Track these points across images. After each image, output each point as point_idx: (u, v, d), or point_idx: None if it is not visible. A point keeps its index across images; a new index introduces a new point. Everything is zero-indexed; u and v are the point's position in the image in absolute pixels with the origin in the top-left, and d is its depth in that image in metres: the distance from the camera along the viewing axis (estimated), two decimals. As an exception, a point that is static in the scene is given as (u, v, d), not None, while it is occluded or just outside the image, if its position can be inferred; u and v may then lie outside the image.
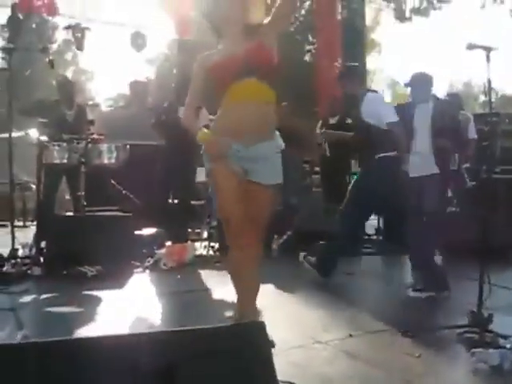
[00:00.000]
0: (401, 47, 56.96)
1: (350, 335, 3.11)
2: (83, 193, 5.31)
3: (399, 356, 2.86)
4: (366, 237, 7.00)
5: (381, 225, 7.21)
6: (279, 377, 1.81)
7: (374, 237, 7.13)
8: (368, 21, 15.79)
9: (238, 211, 2.66)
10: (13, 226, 4.98)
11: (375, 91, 4.92)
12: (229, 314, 3.21)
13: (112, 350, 1.53)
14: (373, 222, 7.59)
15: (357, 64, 6.01)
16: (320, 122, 7.86)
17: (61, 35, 28.49)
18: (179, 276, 4.82)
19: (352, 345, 2.98)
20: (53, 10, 7.93)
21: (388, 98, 31.04)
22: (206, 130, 2.67)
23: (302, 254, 4.59)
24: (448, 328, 3.15)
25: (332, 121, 7.62)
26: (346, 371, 2.64)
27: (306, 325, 3.36)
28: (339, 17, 10.31)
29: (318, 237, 6.44)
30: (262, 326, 1.83)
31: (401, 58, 60.33)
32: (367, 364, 2.71)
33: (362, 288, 4.81)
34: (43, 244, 4.94)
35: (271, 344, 2.72)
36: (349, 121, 7.81)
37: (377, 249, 6.46)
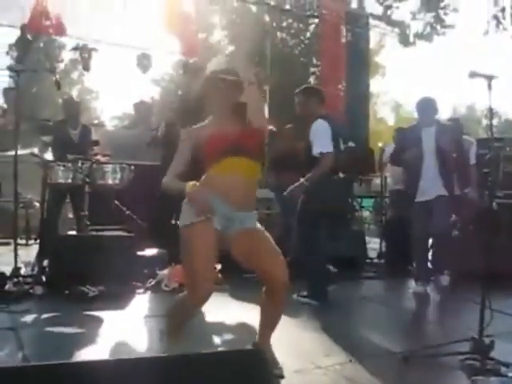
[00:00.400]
0: (405, 71, 57.26)
1: (350, 360, 3.10)
2: (87, 212, 5.34)
3: (399, 382, 2.85)
4: (369, 260, 7.00)
5: (383, 248, 7.21)
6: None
7: (376, 260, 7.11)
8: (372, 44, 15.97)
9: (210, 270, 2.70)
10: (16, 244, 4.99)
11: (327, 118, 4.97)
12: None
13: (110, 375, 1.54)
14: (375, 246, 7.60)
15: (315, 87, 6.03)
16: None
17: (67, 54, 28.83)
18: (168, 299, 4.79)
19: (352, 370, 2.97)
20: (61, 31, 8.03)
21: (391, 121, 31.20)
22: (195, 183, 2.66)
23: (294, 296, 4.65)
24: (449, 354, 3.12)
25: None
26: (347, 397, 2.63)
27: (307, 349, 3.35)
28: (343, 40, 10.40)
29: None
30: (262, 354, 1.84)
31: (405, 82, 60.63)
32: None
33: (363, 312, 4.79)
34: (46, 263, 4.94)
35: (280, 372, 2.75)
36: (350, 144, 7.88)
37: (379, 273, 6.45)
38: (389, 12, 11.25)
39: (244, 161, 2.73)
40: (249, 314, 4.22)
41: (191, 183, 2.63)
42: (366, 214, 12.08)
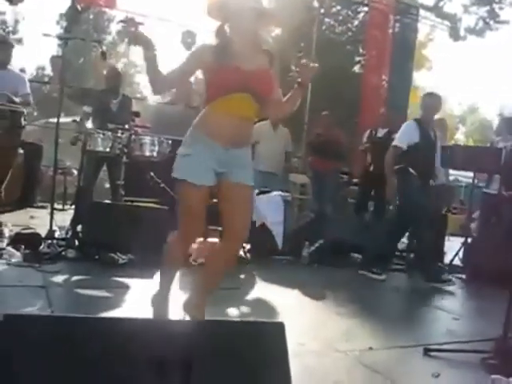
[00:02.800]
0: (453, 66, 55.98)
1: (371, 348, 3.11)
2: (122, 182, 5.43)
3: (417, 374, 2.85)
4: (397, 253, 6.95)
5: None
6: (293, 380, 1.83)
7: (405, 253, 7.05)
8: (421, 36, 15.64)
9: (199, 226, 2.92)
10: (52, 209, 5.14)
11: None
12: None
13: (129, 333, 1.58)
14: (404, 239, 7.53)
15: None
16: (367, 132, 7.85)
17: (115, 27, 29.19)
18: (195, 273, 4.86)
19: (372, 357, 2.97)
20: (111, 3, 8.14)
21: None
22: None
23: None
24: (471, 351, 3.10)
25: (380, 133, 7.62)
26: (363, 383, 2.64)
27: (327, 332, 3.36)
28: (391, 30, 10.23)
29: (349, 248, 6.47)
30: (281, 327, 1.86)
31: (452, 77, 59.28)
32: (384, 378, 2.70)
33: (388, 303, 4.78)
34: (79, 228, 5.06)
35: None
36: (395, 135, 7.81)
37: (406, 265, 6.40)
38: (440, 4, 10.97)
39: (245, 99, 2.73)
40: (273, 294, 4.29)
41: None
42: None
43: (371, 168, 7.44)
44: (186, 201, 2.82)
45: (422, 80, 23.63)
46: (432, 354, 3.08)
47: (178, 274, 4.69)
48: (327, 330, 3.44)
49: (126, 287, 3.98)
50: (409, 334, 3.53)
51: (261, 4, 2.80)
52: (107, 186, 6.30)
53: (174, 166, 2.82)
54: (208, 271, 3.09)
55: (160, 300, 3.03)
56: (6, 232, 5.01)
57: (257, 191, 6.17)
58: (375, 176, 7.18)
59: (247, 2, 2.73)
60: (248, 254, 5.87)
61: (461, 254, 6.63)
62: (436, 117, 6.20)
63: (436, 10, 11.07)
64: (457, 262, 6.62)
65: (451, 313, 4.36)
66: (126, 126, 5.32)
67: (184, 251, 3.07)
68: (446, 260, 6.71)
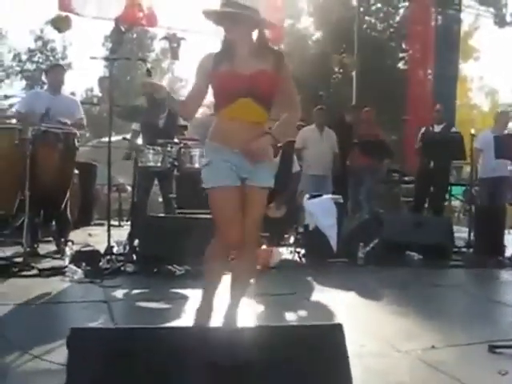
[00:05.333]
0: (502, 54, 54.33)
1: (433, 346, 3.04)
2: (174, 195, 5.54)
3: (483, 372, 2.76)
4: (456, 249, 6.80)
5: (472, 237, 7.00)
6: (354, 382, 1.82)
7: (465, 249, 6.90)
8: (465, 26, 15.29)
9: (232, 226, 2.75)
10: (109, 225, 5.28)
11: None
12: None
13: (190, 342, 1.62)
14: (463, 235, 7.37)
15: None
16: (422, 129, 7.74)
17: (158, 44, 29.82)
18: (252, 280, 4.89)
19: (434, 356, 2.91)
20: (152, 21, 8.30)
21: (486, 108, 29.79)
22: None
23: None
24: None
25: (437, 128, 7.51)
26: (426, 382, 2.60)
27: (387, 332, 3.32)
28: (433, 23, 10.05)
29: (405, 247, 6.37)
30: (340, 329, 1.86)
31: (502, 66, 57.50)
32: (449, 377, 2.64)
33: (449, 300, 4.67)
34: (136, 243, 5.19)
35: None
36: (454, 129, 7.68)
37: (467, 262, 6.25)
38: (484, -9, 10.70)
39: (250, 103, 2.73)
40: (330, 296, 4.27)
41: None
42: (455, 202, 11.70)
43: (431, 165, 7.32)
44: (217, 206, 2.78)
45: (470, 70, 23.06)
46: (498, 350, 2.98)
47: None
48: (387, 330, 3.39)
49: (184, 298, 4.04)
50: (472, 331, 3.43)
51: (245, 8, 2.74)
52: (160, 199, 6.42)
53: (202, 179, 2.85)
54: (232, 281, 3.00)
55: (202, 313, 2.90)
56: (67, 251, 5.20)
57: (308, 195, 6.16)
58: (435, 172, 7.09)
59: (230, 7, 2.71)
60: (303, 259, 5.88)
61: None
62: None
63: (479, -3, 10.80)
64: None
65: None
66: (175, 140, 5.42)
67: (224, 259, 2.99)
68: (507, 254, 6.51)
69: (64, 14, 7.61)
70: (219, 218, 2.79)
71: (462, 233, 7.80)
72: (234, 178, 2.77)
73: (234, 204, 2.76)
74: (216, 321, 2.85)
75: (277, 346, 1.72)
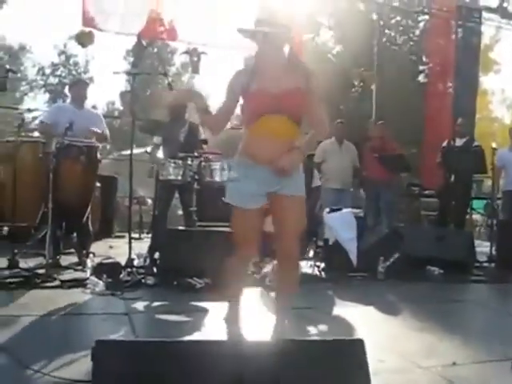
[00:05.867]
0: (523, 66, 53.92)
1: (454, 363, 3.01)
2: (195, 208, 5.57)
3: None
4: (478, 264, 6.73)
5: (493, 252, 6.91)
6: (376, 397, 1.82)
7: (486, 264, 6.82)
8: (486, 39, 15.22)
9: (252, 248, 3.04)
10: (130, 238, 5.33)
11: None
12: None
13: (214, 355, 1.64)
14: (485, 249, 7.29)
15: None
16: (444, 143, 7.71)
17: (179, 58, 30.16)
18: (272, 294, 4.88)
19: (456, 373, 2.87)
20: (173, 36, 8.42)
21: (508, 121, 29.49)
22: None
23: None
24: None
25: (459, 142, 7.48)
26: (448, 398, 2.57)
27: (408, 348, 3.29)
28: (453, 36, 10.03)
29: (425, 261, 6.31)
30: (361, 344, 1.86)
31: (523, 78, 56.93)
32: (471, 394, 2.62)
33: (470, 316, 4.63)
34: (157, 255, 5.22)
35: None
36: (476, 143, 7.64)
37: (489, 276, 6.18)
38: (505, 4, 10.64)
39: (283, 120, 2.80)
40: (350, 311, 4.25)
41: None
42: (476, 216, 11.57)
43: (452, 179, 7.28)
44: (237, 225, 2.96)
45: (491, 83, 22.91)
46: (521, 368, 2.95)
47: (254, 294, 4.77)
48: (407, 346, 3.36)
49: (204, 311, 4.06)
50: (495, 348, 3.39)
51: (276, 27, 2.83)
52: (180, 212, 6.47)
53: (226, 194, 2.98)
54: (277, 291, 3.18)
55: (231, 321, 3.12)
56: (89, 263, 5.25)
57: (327, 209, 6.16)
58: (456, 186, 7.05)
59: (262, 27, 2.81)
60: (323, 273, 5.86)
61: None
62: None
63: (500, 10, 10.73)
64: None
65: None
66: (195, 153, 5.47)
67: (243, 271, 3.17)
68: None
69: (87, 29, 7.76)
70: (237, 234, 2.99)
71: (483, 247, 7.72)
72: (258, 199, 2.87)
73: (253, 224, 2.91)
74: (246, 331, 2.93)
75: (299, 360, 1.72)
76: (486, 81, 20.63)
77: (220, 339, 1.86)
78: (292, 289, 3.17)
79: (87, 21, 7.69)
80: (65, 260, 5.62)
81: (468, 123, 9.21)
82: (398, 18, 18.98)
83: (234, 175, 2.94)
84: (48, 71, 30.76)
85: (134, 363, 1.51)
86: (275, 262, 5.37)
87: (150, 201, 8.82)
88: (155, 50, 27.73)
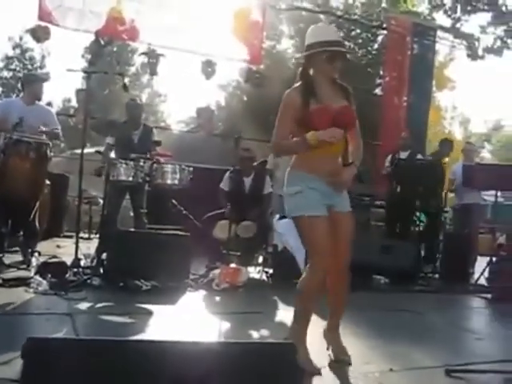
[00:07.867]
0: (474, 85, 55.79)
1: (391, 369, 3.08)
2: (145, 210, 5.54)
3: (439, 395, 2.82)
4: (422, 274, 6.91)
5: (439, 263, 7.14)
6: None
7: (431, 275, 7.01)
8: (441, 57, 15.64)
9: (326, 251, 2.95)
10: (77, 238, 5.25)
11: None
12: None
13: (147, 355, 1.64)
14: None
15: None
16: (389, 156, 7.88)
17: (139, 59, 29.86)
18: (218, 298, 4.91)
19: (392, 379, 2.94)
20: (134, 36, 8.33)
21: (460, 136, 30.39)
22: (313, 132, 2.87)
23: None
24: (495, 372, 3.06)
25: (402, 155, 7.66)
26: (383, 404, 2.63)
27: (346, 354, 3.35)
28: (409, 52, 10.29)
29: (372, 271, 6.44)
30: (293, 347, 1.90)
31: (474, 96, 58.90)
32: (405, 399, 2.69)
33: (409, 324, 4.72)
34: (104, 256, 5.16)
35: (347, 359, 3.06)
36: (419, 156, 7.84)
37: (432, 287, 6.36)
38: (458, 25, 11.01)
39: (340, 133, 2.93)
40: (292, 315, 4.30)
41: (310, 133, 2.84)
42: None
43: (398, 190, 7.45)
44: (312, 234, 2.93)
45: (445, 100, 23.55)
46: (454, 374, 3.03)
47: (200, 298, 4.77)
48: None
49: (149, 313, 4.04)
50: (431, 355, 3.49)
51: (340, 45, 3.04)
52: (131, 214, 6.42)
53: (287, 208, 3.02)
54: (330, 299, 3.28)
55: (297, 336, 3.04)
56: (34, 261, 5.15)
57: (278, 216, 6.22)
58: (402, 199, 7.22)
59: (339, 47, 3.01)
60: (270, 279, 5.91)
61: (486, 273, 6.56)
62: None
63: (454, 30, 11.10)
64: (482, 281, 6.56)
65: (475, 333, 4.31)
66: (148, 155, 5.44)
67: (321, 282, 3.10)
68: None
69: (44, 24, 7.59)
70: (314, 246, 2.97)
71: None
72: (322, 208, 2.93)
73: (325, 232, 2.91)
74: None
75: (232, 361, 1.74)
76: (440, 97, 21.15)
77: (152, 339, 1.86)
78: (347, 302, 3.30)
79: (44, 15, 7.52)
80: (9, 258, 5.50)
81: (420, 137, 9.47)
82: (358, 31, 19.36)
83: (295, 189, 2.94)
84: (1, 64, 29.92)
85: (66, 361, 1.50)
86: (223, 267, 5.43)
87: (101, 201, 8.69)
88: (115, 48, 27.42)
